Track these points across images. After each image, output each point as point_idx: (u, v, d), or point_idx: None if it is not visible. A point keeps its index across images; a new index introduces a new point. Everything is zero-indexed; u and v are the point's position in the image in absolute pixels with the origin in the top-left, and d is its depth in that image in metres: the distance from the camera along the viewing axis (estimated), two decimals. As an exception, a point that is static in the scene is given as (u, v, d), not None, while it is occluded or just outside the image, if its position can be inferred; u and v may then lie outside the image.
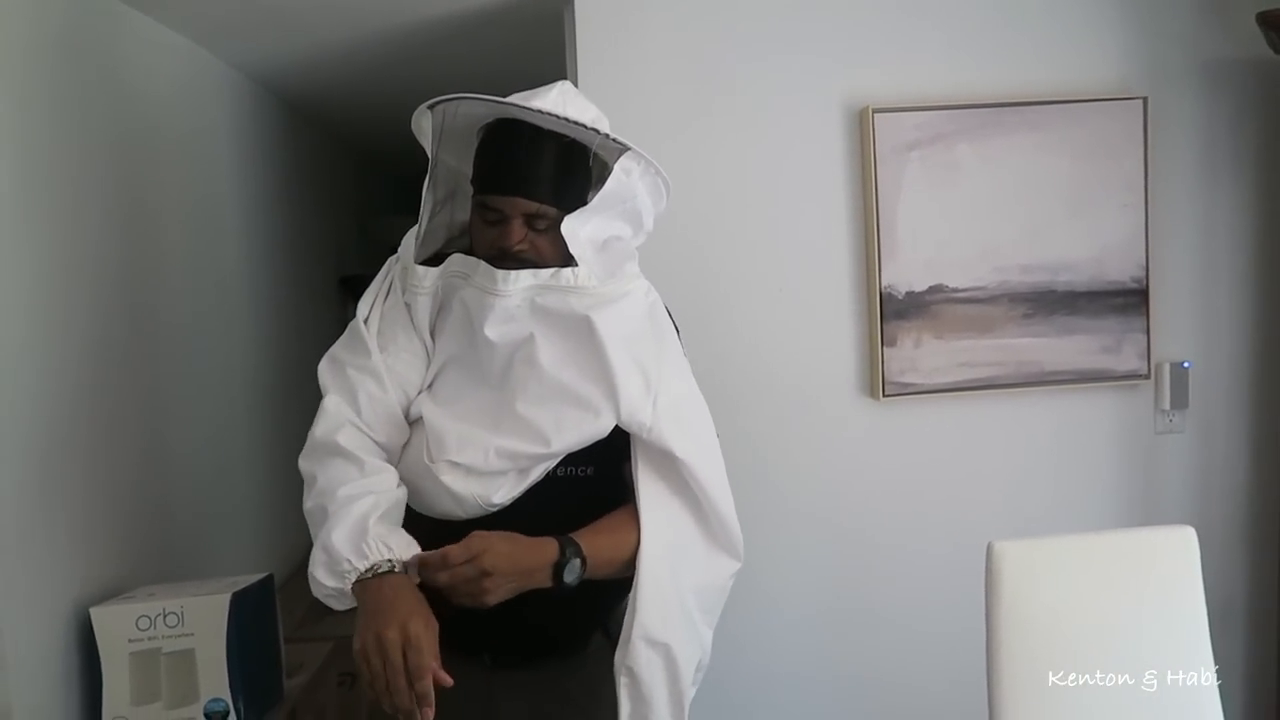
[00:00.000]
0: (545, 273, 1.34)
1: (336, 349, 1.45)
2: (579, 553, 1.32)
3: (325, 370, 1.43)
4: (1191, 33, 2.38)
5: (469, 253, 1.40)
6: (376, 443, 1.39)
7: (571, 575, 1.31)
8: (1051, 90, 2.33)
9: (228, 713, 1.81)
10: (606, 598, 1.47)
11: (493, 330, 1.34)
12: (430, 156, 1.41)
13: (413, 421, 1.42)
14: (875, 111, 2.27)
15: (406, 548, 1.29)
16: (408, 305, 1.42)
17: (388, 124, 3.26)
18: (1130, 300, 2.37)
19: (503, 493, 1.36)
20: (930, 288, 2.33)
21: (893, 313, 2.32)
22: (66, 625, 1.79)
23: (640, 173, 1.38)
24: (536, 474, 1.38)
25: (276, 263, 3.25)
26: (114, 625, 1.80)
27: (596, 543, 1.35)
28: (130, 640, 1.79)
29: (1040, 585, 1.56)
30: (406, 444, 1.42)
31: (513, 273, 1.33)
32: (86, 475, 1.90)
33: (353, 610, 1.28)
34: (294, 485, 1.41)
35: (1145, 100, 2.33)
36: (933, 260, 2.32)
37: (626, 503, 1.42)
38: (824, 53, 2.31)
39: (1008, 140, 2.31)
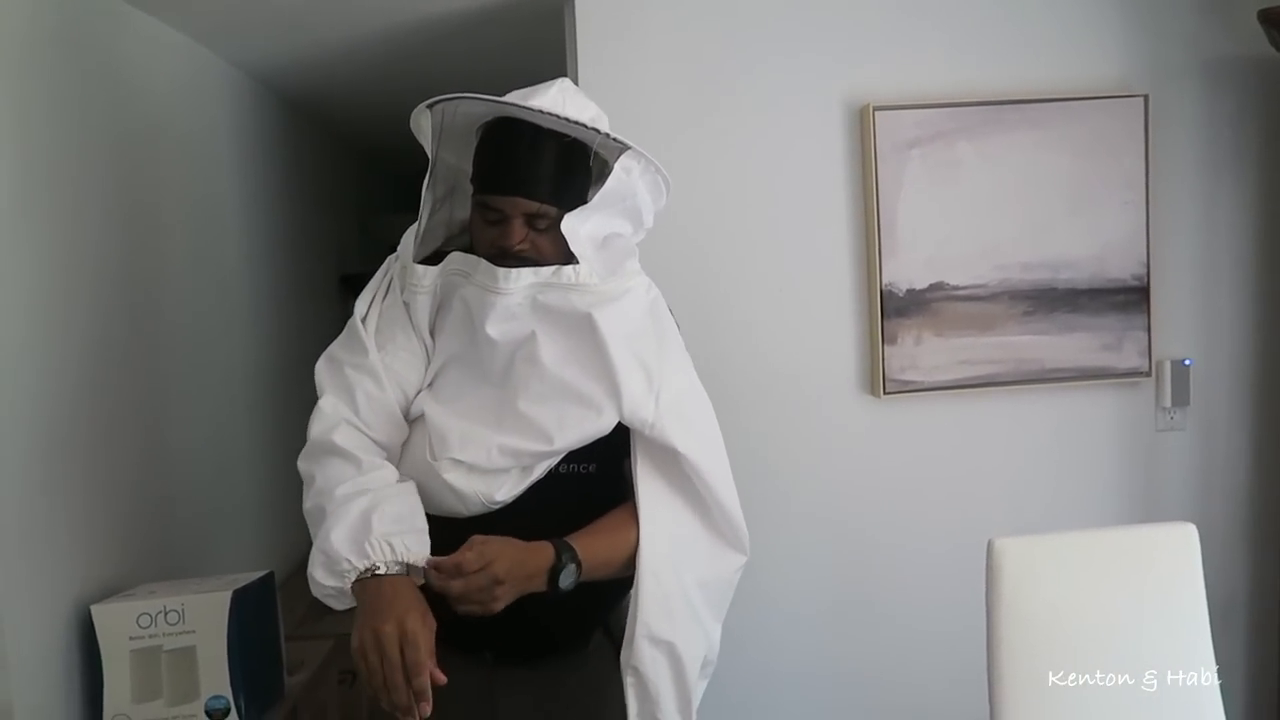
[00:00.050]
0: (546, 270, 1.34)
1: (334, 348, 1.45)
2: (575, 558, 1.32)
3: (323, 369, 1.43)
4: (1192, 30, 2.38)
5: (468, 250, 1.40)
6: (375, 441, 1.39)
7: (566, 581, 1.31)
8: (1052, 88, 2.33)
9: (229, 710, 1.82)
10: (608, 596, 1.47)
11: (494, 328, 1.34)
12: (430, 156, 1.41)
13: (413, 420, 1.42)
14: (876, 109, 2.27)
15: (413, 548, 1.28)
16: (406, 304, 1.42)
17: (389, 122, 3.25)
18: (1131, 298, 2.37)
19: (505, 490, 1.36)
20: (931, 285, 2.33)
21: (893, 310, 2.32)
22: (67, 623, 1.80)
23: (640, 171, 1.37)
24: (539, 471, 1.38)
25: (277, 261, 3.25)
26: (115, 623, 1.80)
27: (593, 545, 1.35)
28: (131, 638, 1.79)
29: (1041, 582, 1.56)
30: (408, 443, 1.42)
31: (514, 270, 1.33)
32: (87, 473, 1.90)
33: (353, 609, 1.28)
34: (294, 483, 1.41)
35: (1146, 98, 2.33)
36: (933, 258, 2.32)
37: (627, 500, 1.42)
38: (824, 49, 2.31)
39: (1008, 138, 2.31)
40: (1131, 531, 1.70)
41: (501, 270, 1.33)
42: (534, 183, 1.34)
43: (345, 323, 1.47)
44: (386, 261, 1.49)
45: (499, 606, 1.27)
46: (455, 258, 1.39)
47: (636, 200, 1.40)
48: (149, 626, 1.80)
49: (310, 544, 1.33)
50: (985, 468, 2.41)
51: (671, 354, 1.45)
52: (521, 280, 1.33)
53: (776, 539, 2.33)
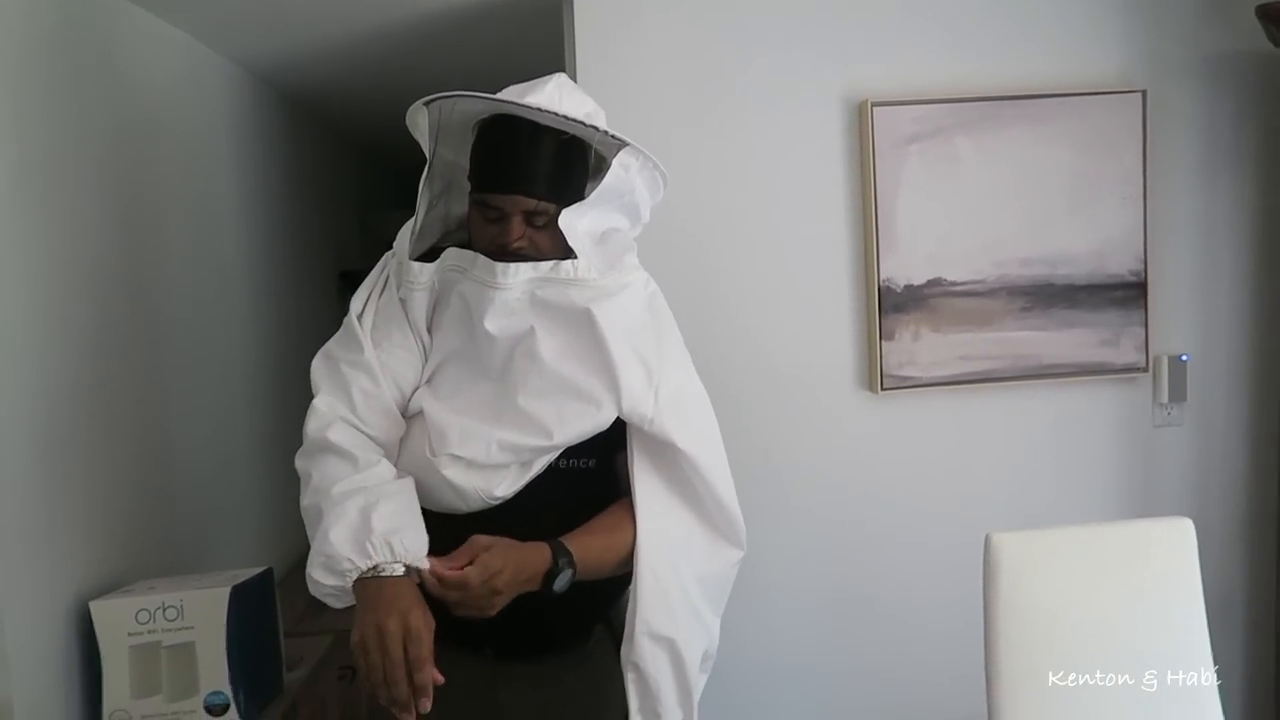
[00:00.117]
0: (545, 265, 1.34)
1: (330, 345, 1.45)
2: (571, 562, 1.32)
3: (318, 367, 1.43)
4: (1191, 26, 2.38)
5: (466, 246, 1.40)
6: (371, 438, 1.39)
7: (562, 583, 1.31)
8: (1051, 83, 2.33)
9: (228, 706, 1.82)
10: (608, 590, 1.47)
11: (493, 324, 1.34)
12: (428, 153, 1.41)
13: (411, 416, 1.42)
14: (874, 105, 2.27)
15: (414, 550, 1.28)
16: (403, 301, 1.42)
17: (388, 118, 3.24)
18: (1129, 293, 2.37)
19: (505, 486, 1.36)
20: (929, 281, 2.33)
21: (891, 306, 2.32)
22: (66, 619, 1.80)
23: (638, 167, 1.37)
24: (538, 467, 1.38)
25: (276, 257, 3.25)
26: (114, 618, 1.80)
27: (590, 546, 1.35)
28: (130, 633, 1.80)
29: (1038, 577, 1.57)
30: (407, 439, 1.42)
31: (512, 265, 1.33)
32: (86, 469, 1.90)
33: (352, 606, 1.28)
34: (293, 479, 1.41)
35: (1144, 94, 2.33)
36: (932, 254, 2.32)
37: (625, 496, 1.42)
38: (822, 45, 2.31)
39: (1007, 133, 2.31)
40: (1129, 526, 1.71)
41: (500, 265, 1.33)
42: (532, 180, 1.34)
43: (344, 319, 1.47)
44: (384, 258, 1.48)
45: (495, 611, 1.28)
46: (452, 253, 1.39)
47: (634, 196, 1.40)
48: (148, 622, 1.80)
49: (309, 541, 1.33)
50: (983, 463, 2.41)
51: (670, 349, 1.45)
52: (520, 275, 1.33)
53: (774, 534, 2.34)
